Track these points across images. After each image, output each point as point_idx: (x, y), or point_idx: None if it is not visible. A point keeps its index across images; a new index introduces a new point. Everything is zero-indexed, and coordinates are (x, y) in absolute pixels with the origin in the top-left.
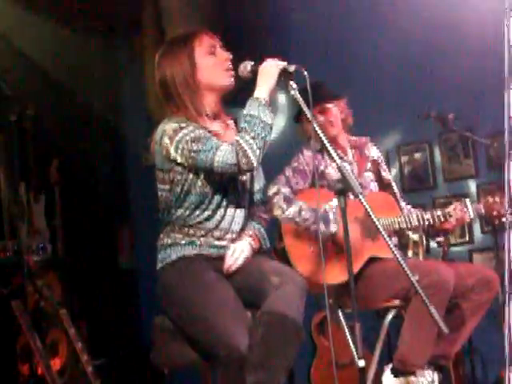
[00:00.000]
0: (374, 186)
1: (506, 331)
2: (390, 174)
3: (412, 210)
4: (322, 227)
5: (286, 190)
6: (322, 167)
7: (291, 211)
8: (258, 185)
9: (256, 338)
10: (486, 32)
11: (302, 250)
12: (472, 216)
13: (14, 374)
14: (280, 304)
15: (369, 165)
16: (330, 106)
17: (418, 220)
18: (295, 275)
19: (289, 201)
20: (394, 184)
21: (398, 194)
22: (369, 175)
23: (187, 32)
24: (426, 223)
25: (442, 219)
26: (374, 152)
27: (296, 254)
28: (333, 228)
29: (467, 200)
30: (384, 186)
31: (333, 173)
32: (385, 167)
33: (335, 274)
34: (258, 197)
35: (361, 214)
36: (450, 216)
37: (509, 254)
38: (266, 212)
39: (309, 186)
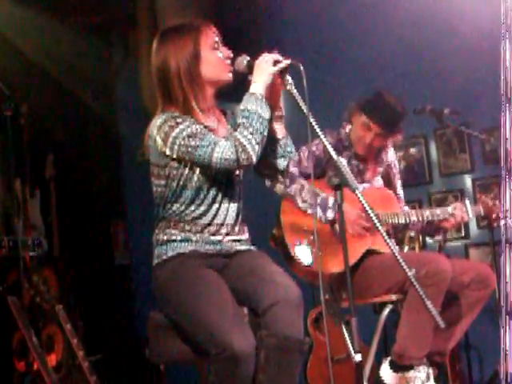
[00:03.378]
0: None
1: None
2: (399, 180)
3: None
4: (319, 213)
5: (293, 169)
6: None
7: (293, 188)
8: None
9: (260, 361)
10: (483, 28)
11: (301, 237)
12: (471, 216)
13: (10, 370)
14: (279, 324)
15: (381, 169)
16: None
17: (417, 216)
18: (290, 285)
19: (293, 178)
20: (401, 192)
21: (403, 201)
22: (378, 179)
23: (193, 22)
24: (425, 220)
25: (441, 218)
26: (390, 156)
27: (295, 243)
28: (330, 215)
29: (467, 200)
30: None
31: None
32: (395, 172)
33: (334, 264)
34: None
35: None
36: (450, 215)
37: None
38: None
39: (320, 173)
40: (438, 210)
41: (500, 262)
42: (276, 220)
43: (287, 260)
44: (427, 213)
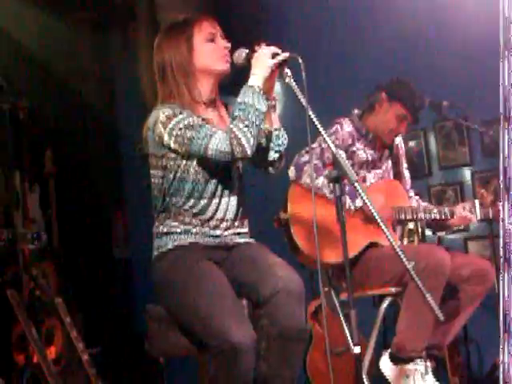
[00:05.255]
0: (387, 175)
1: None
2: (405, 162)
3: (420, 201)
4: (348, 201)
5: (317, 162)
6: (354, 148)
7: (320, 181)
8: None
9: (261, 350)
10: (482, 20)
11: (305, 224)
12: (479, 218)
13: (10, 363)
14: (280, 314)
15: (389, 151)
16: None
17: (425, 214)
18: (290, 275)
19: (319, 171)
20: (407, 173)
21: (409, 183)
22: (388, 161)
23: (188, 17)
24: (432, 218)
25: (449, 216)
26: (398, 138)
27: (298, 228)
28: (358, 203)
29: (476, 201)
30: (397, 172)
31: (362, 155)
32: (402, 153)
33: (335, 254)
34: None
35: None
36: (458, 215)
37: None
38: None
39: None
40: (446, 209)
41: (499, 255)
42: (283, 204)
43: (290, 244)
44: (435, 210)
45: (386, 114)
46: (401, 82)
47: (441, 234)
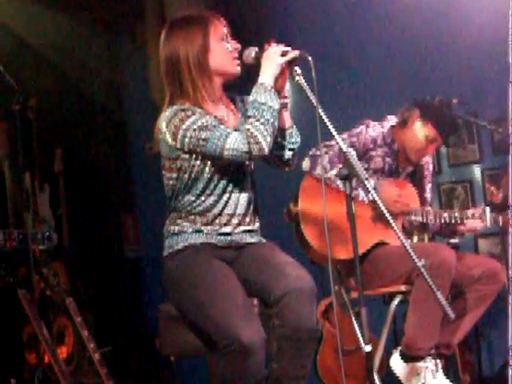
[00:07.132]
0: None
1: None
2: (429, 183)
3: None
4: (362, 194)
5: (334, 158)
6: (373, 153)
7: (333, 173)
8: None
9: (273, 350)
10: (490, 18)
11: (316, 220)
12: (489, 225)
13: (21, 362)
14: (290, 314)
15: (411, 168)
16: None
17: (435, 216)
18: (301, 275)
19: (333, 163)
20: (429, 195)
21: (428, 203)
22: (409, 180)
23: (202, 13)
24: (443, 221)
25: (459, 221)
26: (426, 157)
27: (309, 223)
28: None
29: (487, 208)
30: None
31: (379, 162)
32: (427, 174)
33: (343, 251)
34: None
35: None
36: (467, 219)
37: None
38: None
39: None
40: (457, 213)
41: (509, 252)
42: (294, 196)
43: (299, 239)
44: (445, 214)
45: (416, 133)
46: (438, 104)
47: (453, 241)
